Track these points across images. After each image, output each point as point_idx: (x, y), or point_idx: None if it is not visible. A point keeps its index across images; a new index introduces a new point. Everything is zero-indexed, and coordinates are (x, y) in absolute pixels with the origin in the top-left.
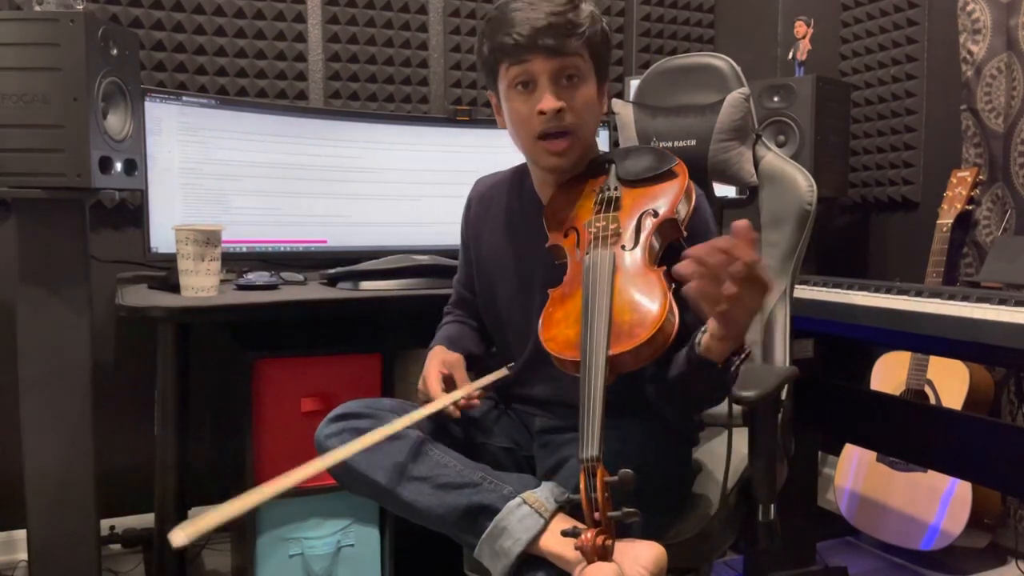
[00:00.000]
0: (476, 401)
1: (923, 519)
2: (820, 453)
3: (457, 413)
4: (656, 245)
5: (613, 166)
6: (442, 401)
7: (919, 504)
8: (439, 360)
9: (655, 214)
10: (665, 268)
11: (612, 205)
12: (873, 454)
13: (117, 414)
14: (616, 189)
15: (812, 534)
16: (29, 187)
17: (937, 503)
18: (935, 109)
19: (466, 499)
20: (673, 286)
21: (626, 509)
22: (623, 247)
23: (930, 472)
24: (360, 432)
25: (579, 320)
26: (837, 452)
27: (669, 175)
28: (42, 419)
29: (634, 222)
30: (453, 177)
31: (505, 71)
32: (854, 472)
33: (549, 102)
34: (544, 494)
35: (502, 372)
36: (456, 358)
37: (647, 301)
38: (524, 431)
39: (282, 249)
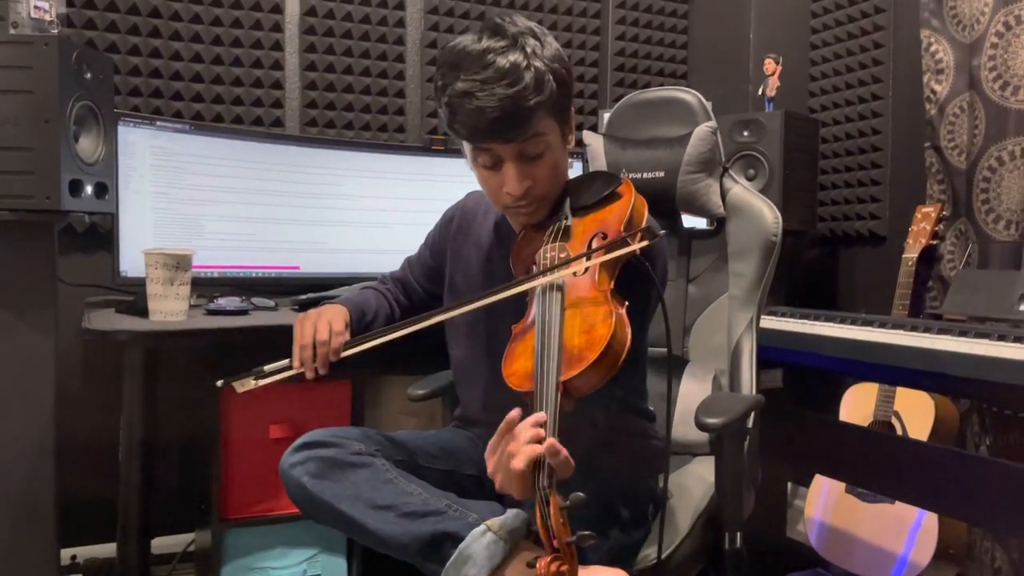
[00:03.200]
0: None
1: (891, 550)
2: (791, 485)
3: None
4: (608, 266)
5: (568, 198)
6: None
7: (887, 535)
8: (343, 320)
9: (604, 236)
10: (612, 287)
11: (563, 235)
12: (842, 485)
13: (81, 441)
14: (567, 219)
15: (782, 565)
16: None
17: (905, 534)
18: (900, 146)
19: (431, 527)
20: (626, 304)
21: (581, 533)
22: (574, 273)
23: (898, 503)
24: (324, 461)
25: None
26: (807, 483)
27: (614, 196)
28: (3, 443)
29: (584, 248)
30: (427, 205)
31: (467, 147)
32: (823, 503)
33: (514, 186)
34: (509, 521)
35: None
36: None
37: (595, 322)
38: None
39: (254, 275)
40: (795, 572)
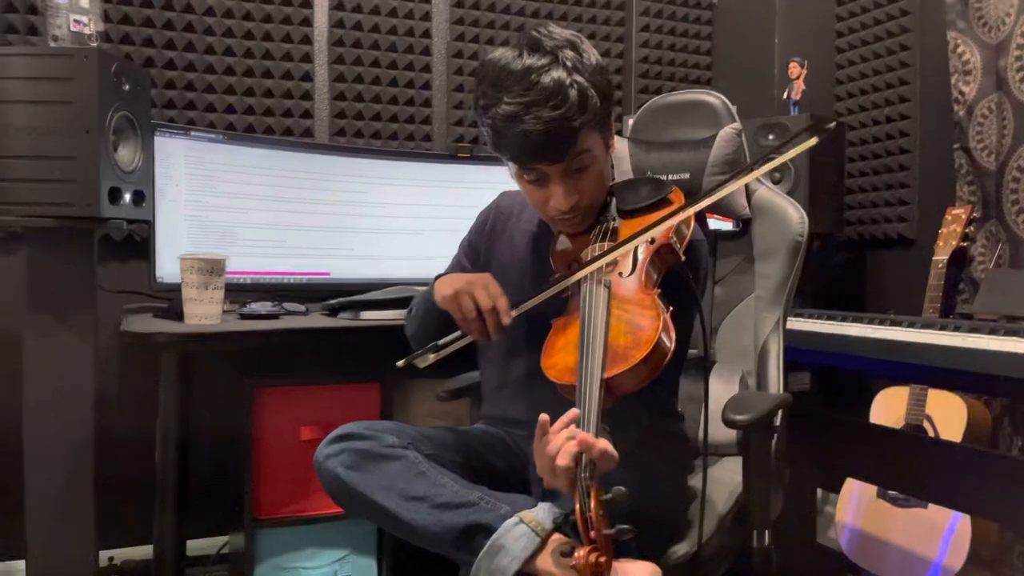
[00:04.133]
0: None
1: (924, 555)
2: (821, 491)
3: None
4: (653, 270)
5: (613, 199)
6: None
7: (920, 540)
8: (494, 281)
9: (651, 240)
10: (660, 291)
11: (610, 235)
12: (873, 490)
13: (118, 445)
14: (615, 220)
15: (812, 571)
16: (40, 216)
17: (939, 539)
18: (929, 148)
19: (463, 518)
20: (671, 308)
21: (620, 526)
22: (620, 274)
23: (931, 507)
24: (359, 453)
25: (578, 347)
26: (837, 489)
27: (664, 203)
28: (44, 445)
29: (631, 251)
30: (454, 212)
31: (511, 165)
32: (854, 508)
33: (562, 202)
34: (541, 514)
35: None
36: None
37: (641, 324)
38: (520, 454)
39: (285, 281)
40: None
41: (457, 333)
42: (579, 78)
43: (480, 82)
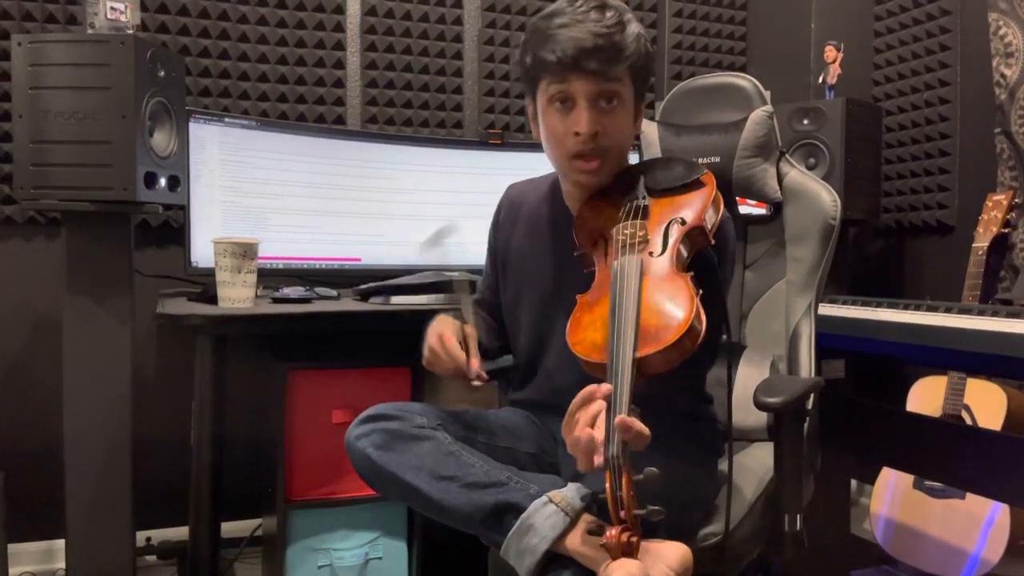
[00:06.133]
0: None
1: (962, 547)
2: (856, 483)
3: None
4: (684, 252)
5: (642, 177)
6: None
7: (958, 532)
8: (454, 327)
9: (683, 222)
10: (692, 274)
11: (640, 213)
12: (910, 481)
13: (154, 427)
14: (644, 198)
15: (846, 562)
16: (78, 200)
17: (977, 531)
18: (969, 133)
19: (493, 498)
20: (700, 292)
21: (651, 507)
22: (651, 253)
23: (969, 499)
24: (389, 433)
25: (606, 324)
26: (872, 480)
27: (697, 184)
28: (83, 427)
29: (662, 229)
30: (485, 199)
31: (544, 87)
32: (890, 499)
33: (585, 125)
34: (570, 493)
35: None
36: (472, 330)
37: (674, 305)
38: (549, 437)
39: (317, 266)
40: (862, 569)
41: None
42: (634, 25)
43: (532, 25)
